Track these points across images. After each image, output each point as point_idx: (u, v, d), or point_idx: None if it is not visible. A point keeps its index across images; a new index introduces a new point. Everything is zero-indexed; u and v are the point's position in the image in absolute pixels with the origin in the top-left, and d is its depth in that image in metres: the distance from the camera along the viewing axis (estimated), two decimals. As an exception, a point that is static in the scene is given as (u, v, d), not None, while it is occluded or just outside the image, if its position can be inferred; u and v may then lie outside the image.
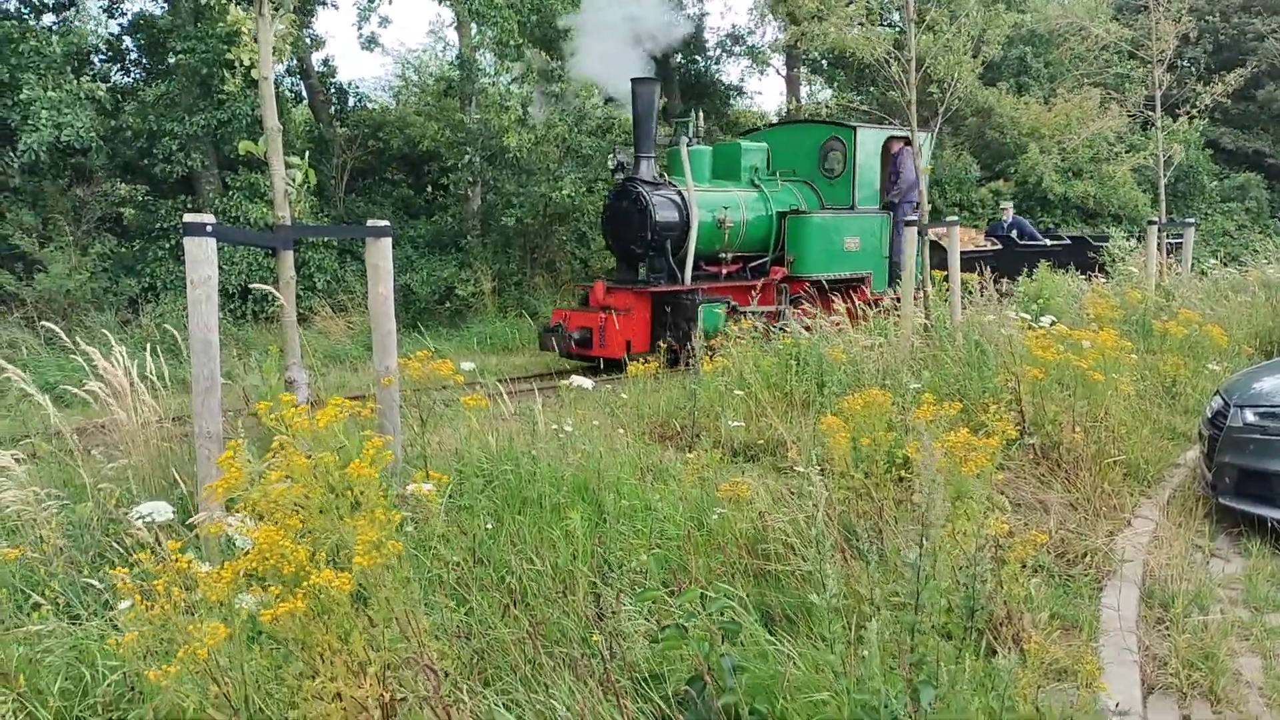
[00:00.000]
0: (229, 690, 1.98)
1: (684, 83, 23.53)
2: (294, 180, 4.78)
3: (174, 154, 14.17)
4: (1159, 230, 12.25)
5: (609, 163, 12.40)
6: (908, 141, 13.09)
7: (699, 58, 24.24)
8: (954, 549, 3.25)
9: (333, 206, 16.78)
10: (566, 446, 5.20)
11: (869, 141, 13.37)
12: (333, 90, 18.82)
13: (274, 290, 5.14)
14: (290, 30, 4.91)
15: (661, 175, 12.21)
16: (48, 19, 15.47)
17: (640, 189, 11.80)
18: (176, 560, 2.03)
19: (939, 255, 14.12)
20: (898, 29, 16.64)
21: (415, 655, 2.00)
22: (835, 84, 25.94)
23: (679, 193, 11.89)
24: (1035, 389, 6.01)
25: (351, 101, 19.38)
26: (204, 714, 2.60)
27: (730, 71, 45.85)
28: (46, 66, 13.05)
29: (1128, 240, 15.11)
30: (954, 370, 7.19)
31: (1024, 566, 3.52)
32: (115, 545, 4.07)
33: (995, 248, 15.41)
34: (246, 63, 4.63)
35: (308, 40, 17.11)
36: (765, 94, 66.72)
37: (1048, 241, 16.34)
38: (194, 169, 14.54)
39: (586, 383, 5.50)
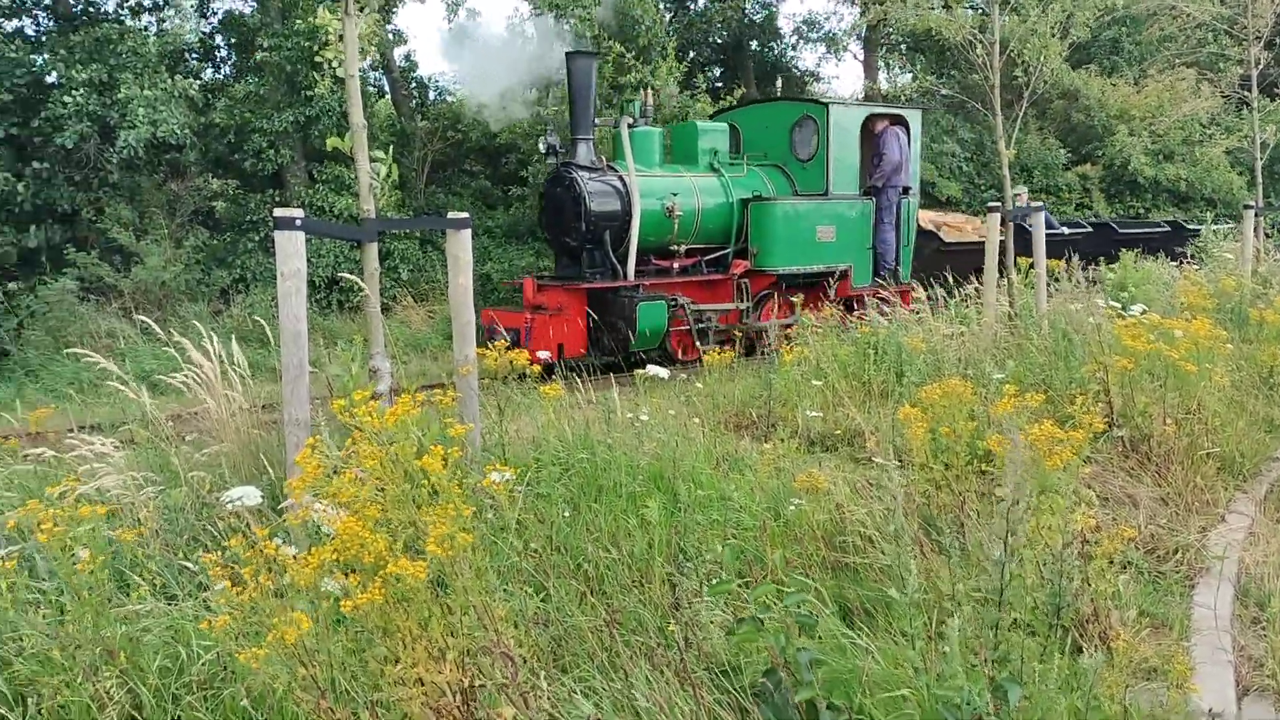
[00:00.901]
0: (316, 673, 2.05)
1: (758, 70, 23.32)
2: (378, 174, 4.87)
3: (263, 150, 14.56)
4: (1255, 214, 11.75)
5: (540, 145, 11.28)
6: (896, 121, 12.31)
7: (774, 44, 23.99)
8: (1039, 544, 3.18)
9: (414, 198, 17.07)
10: (642, 435, 5.23)
11: (845, 120, 12.05)
12: (414, 84, 19.12)
13: (359, 281, 5.25)
14: (375, 30, 5.01)
15: (600, 159, 11.05)
16: (144, 19, 16.02)
17: (575, 175, 10.67)
18: (265, 546, 2.09)
19: (934, 243, 13.46)
20: (981, 10, 16.25)
21: (492, 642, 2.04)
22: (916, 68, 25.46)
23: (620, 179, 10.73)
24: (1125, 380, 5.83)
25: (432, 95, 19.67)
26: (293, 694, 2.68)
27: (806, 58, 45.36)
28: (143, 66, 13.50)
29: (1187, 228, 14.56)
30: (1039, 360, 7.02)
31: (1112, 562, 3.42)
32: (208, 529, 4.22)
33: (1001, 238, 14.65)
34: (333, 64, 4.73)
35: (390, 36, 17.41)
36: (843, 79, 65.71)
37: (1065, 230, 15.04)
38: (282, 163, 14.93)
39: (662, 372, 5.51)
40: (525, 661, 2.31)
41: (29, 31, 15.26)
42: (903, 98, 22.24)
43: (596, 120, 11.37)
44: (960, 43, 9.13)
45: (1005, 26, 9.01)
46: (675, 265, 11.33)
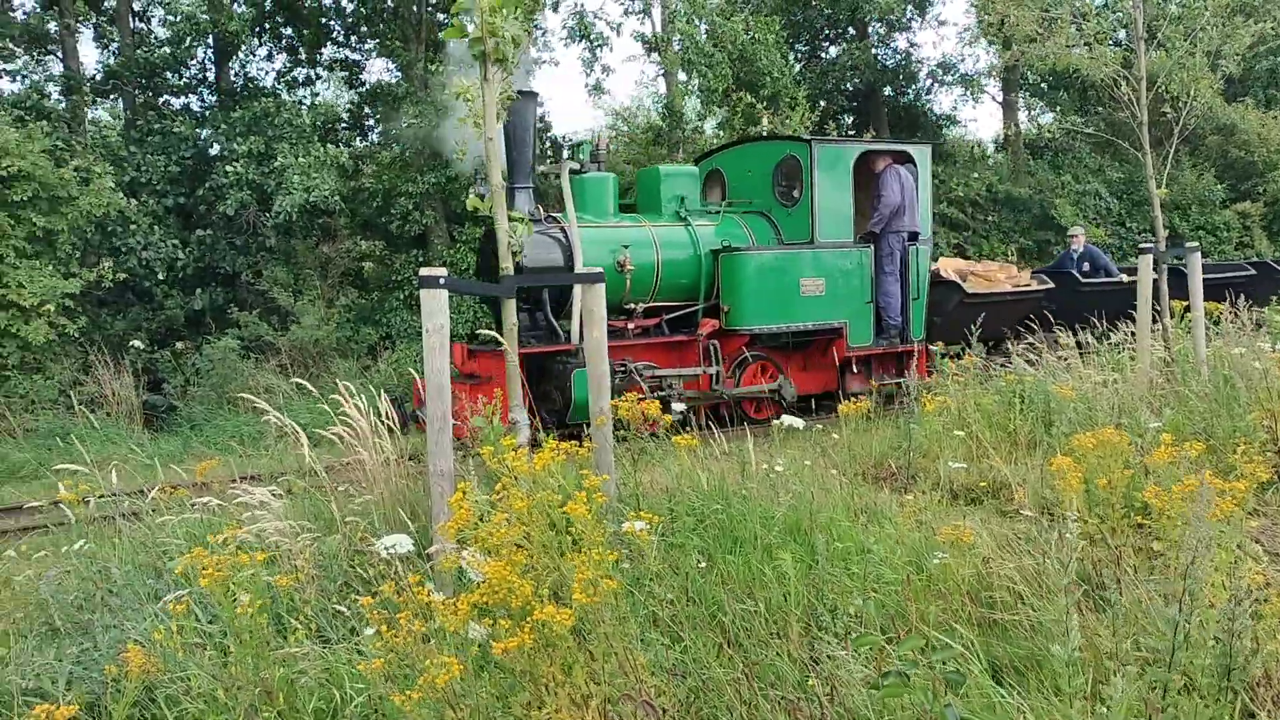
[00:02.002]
0: (463, 717, 2.10)
1: (893, 115, 23.12)
2: (515, 233, 5.06)
3: (408, 212, 15.24)
4: None
5: (466, 199, 10.82)
6: (901, 159, 11.17)
7: (908, 89, 23.77)
8: (1203, 601, 3.00)
9: (549, 254, 17.51)
10: (777, 486, 5.19)
11: (833, 159, 10.72)
12: (549, 144, 19.74)
13: (498, 336, 5.43)
14: (510, 94, 5.22)
15: (539, 210, 9.98)
16: (300, 93, 17.13)
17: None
18: (416, 592, 2.18)
19: (956, 296, 11.45)
20: (1126, 47, 15.72)
21: (634, 691, 2.05)
22: (1058, 107, 24.78)
23: (563, 230, 9.66)
24: (1296, 428, 5.47)
25: (566, 154, 20.24)
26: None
27: (942, 100, 44.74)
28: (298, 136, 14.40)
29: None
30: (1199, 408, 6.65)
31: (1286, 623, 3.19)
32: (360, 574, 4.39)
33: (1042, 287, 12.44)
34: (470, 126, 4.95)
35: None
36: (981, 121, 64.31)
37: (1125, 278, 12.83)
38: (426, 225, 15.59)
39: (798, 422, 5.47)
40: (665, 711, 2.31)
41: (195, 108, 16.53)
42: (1047, 136, 21.56)
43: (540, 167, 10.45)
44: (1103, 80, 8.86)
45: (1152, 62, 8.70)
46: (631, 326, 10.07)
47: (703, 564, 4.21)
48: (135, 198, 14.00)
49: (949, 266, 12.28)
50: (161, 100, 16.21)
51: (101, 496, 5.15)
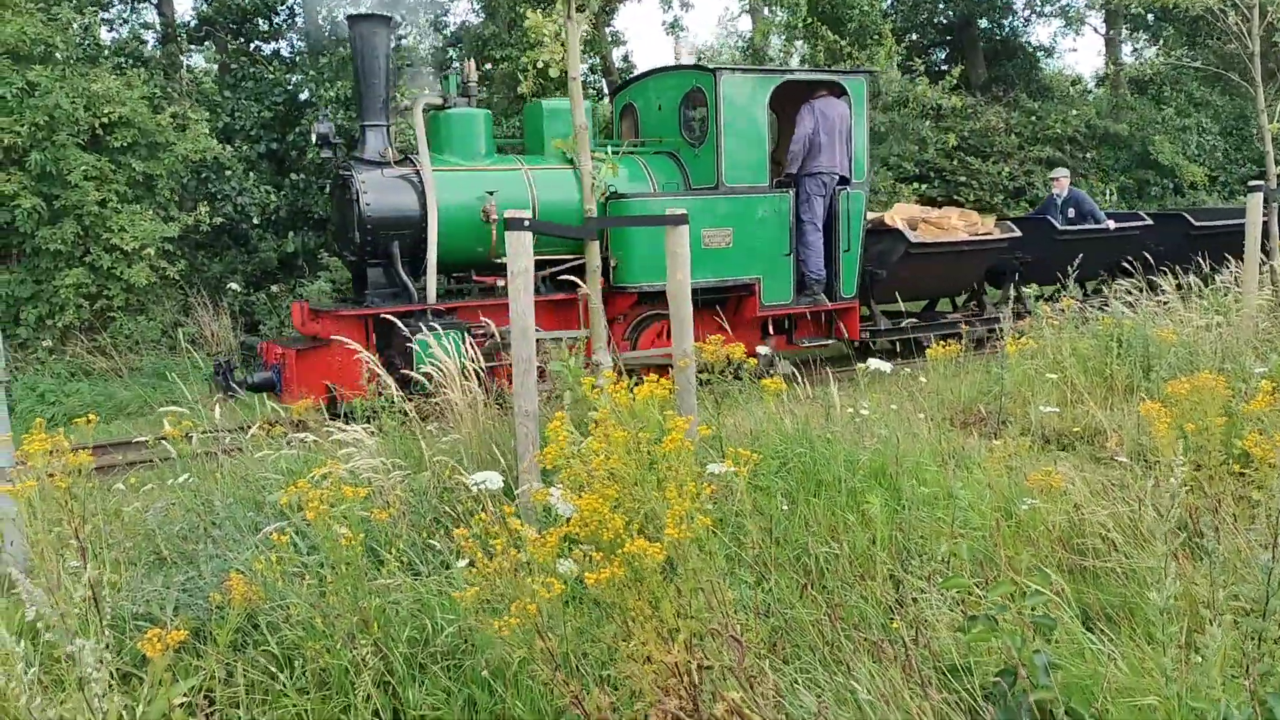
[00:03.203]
0: (552, 645, 2.15)
1: (989, 48, 22.30)
2: (599, 173, 5.05)
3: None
4: None
5: (312, 137, 9.01)
6: (833, 90, 9.79)
7: (1005, 20, 22.87)
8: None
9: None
10: (862, 430, 5.14)
11: (742, 91, 9.31)
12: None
13: (579, 281, 5.45)
14: (591, 30, 5.17)
15: (392, 152, 8.89)
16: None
17: (353, 170, 8.57)
18: (511, 523, 2.22)
19: (900, 246, 10.01)
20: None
21: (721, 625, 2.08)
22: (1162, 40, 23.61)
23: (418, 173, 8.58)
24: None
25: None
26: (528, 668, 2.83)
27: (1040, 33, 42.96)
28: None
29: None
30: (1309, 353, 6.37)
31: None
32: (448, 511, 4.50)
33: (1005, 236, 10.95)
34: (552, 69, 4.93)
35: (609, 38, 17.88)
36: (1081, 54, 61.50)
37: (1111, 224, 11.78)
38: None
39: (885, 366, 5.39)
40: (751, 647, 2.34)
41: (284, 54, 16.79)
42: (1150, 71, 20.55)
43: (405, 101, 9.33)
44: (1211, 11, 8.40)
45: (1267, -12, 8.22)
46: (500, 283, 8.62)
47: (785, 506, 4.21)
48: (229, 143, 14.23)
49: (903, 214, 11.14)
50: (253, 46, 16.49)
51: (204, 433, 5.36)
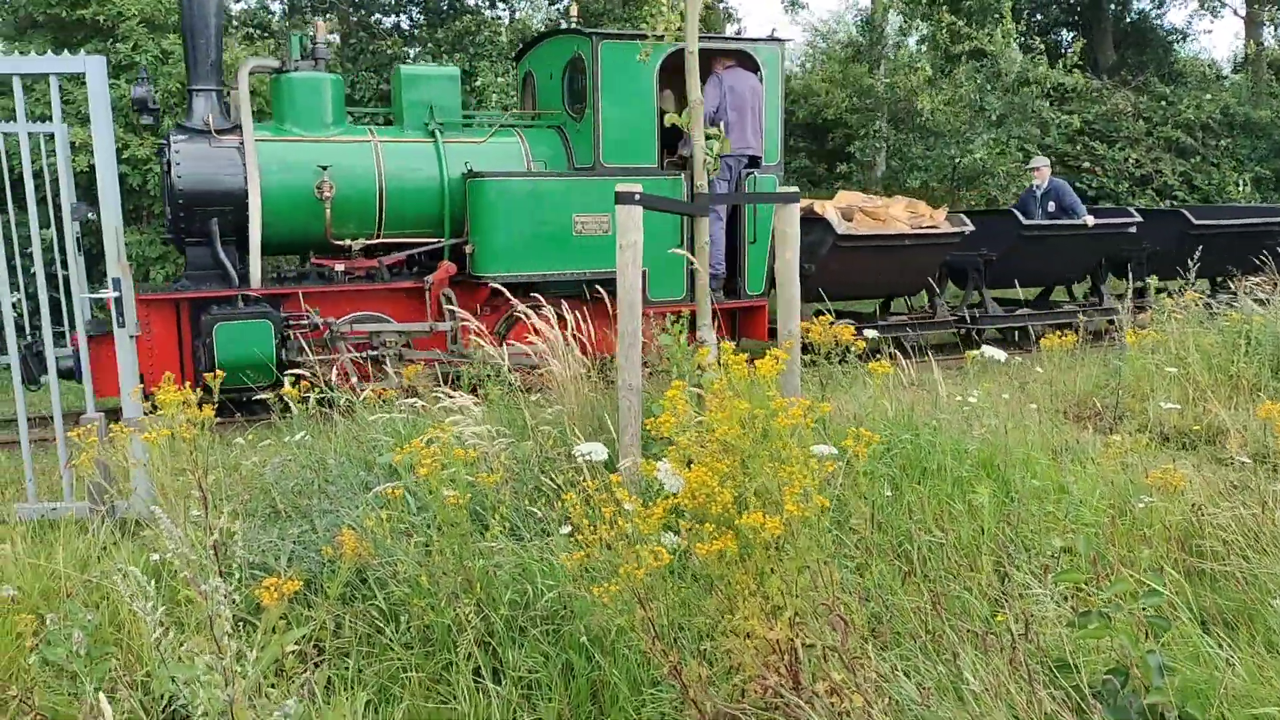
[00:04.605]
0: (653, 615, 2.17)
1: (1119, 32, 21.38)
2: (711, 150, 5.02)
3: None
4: None
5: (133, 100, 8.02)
6: (742, 62, 8.78)
7: (1135, 2, 21.91)
8: None
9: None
10: (970, 419, 5.02)
11: (624, 60, 8.20)
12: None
13: (687, 255, 5.44)
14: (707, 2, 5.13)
15: (214, 119, 7.91)
16: (499, 10, 17.46)
17: (172, 142, 7.72)
18: (616, 493, 2.25)
19: (828, 238, 8.81)
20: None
21: (827, 605, 2.07)
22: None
23: (242, 146, 7.72)
24: None
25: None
26: (625, 636, 2.86)
27: (1174, 15, 41.05)
28: (497, 54, 14.71)
29: None
30: None
31: None
32: (549, 480, 4.57)
33: (956, 229, 9.85)
34: (667, 38, 4.91)
35: (723, 13, 17.75)
36: (1218, 37, 58.41)
37: (1090, 220, 10.60)
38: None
39: (998, 354, 5.25)
40: (855, 629, 2.32)
41: (404, 26, 17.15)
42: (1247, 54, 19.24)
43: (255, 65, 8.29)
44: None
45: None
46: (340, 268, 8.07)
47: (889, 493, 4.15)
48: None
49: (841, 201, 10.14)
50: (374, 19, 16.88)
51: (320, 393, 5.54)
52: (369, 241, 8.30)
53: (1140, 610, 2.55)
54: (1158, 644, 2.53)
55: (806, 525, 2.08)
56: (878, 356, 5.20)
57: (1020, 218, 10.32)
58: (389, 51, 15.28)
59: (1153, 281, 8.33)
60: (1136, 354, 6.23)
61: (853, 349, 5.05)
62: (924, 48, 18.99)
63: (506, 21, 17.20)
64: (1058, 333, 5.55)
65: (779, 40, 9.05)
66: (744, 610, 2.02)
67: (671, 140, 8.76)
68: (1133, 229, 10.71)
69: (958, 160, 15.49)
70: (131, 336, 5.05)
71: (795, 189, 5.03)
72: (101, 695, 2.24)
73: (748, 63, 8.82)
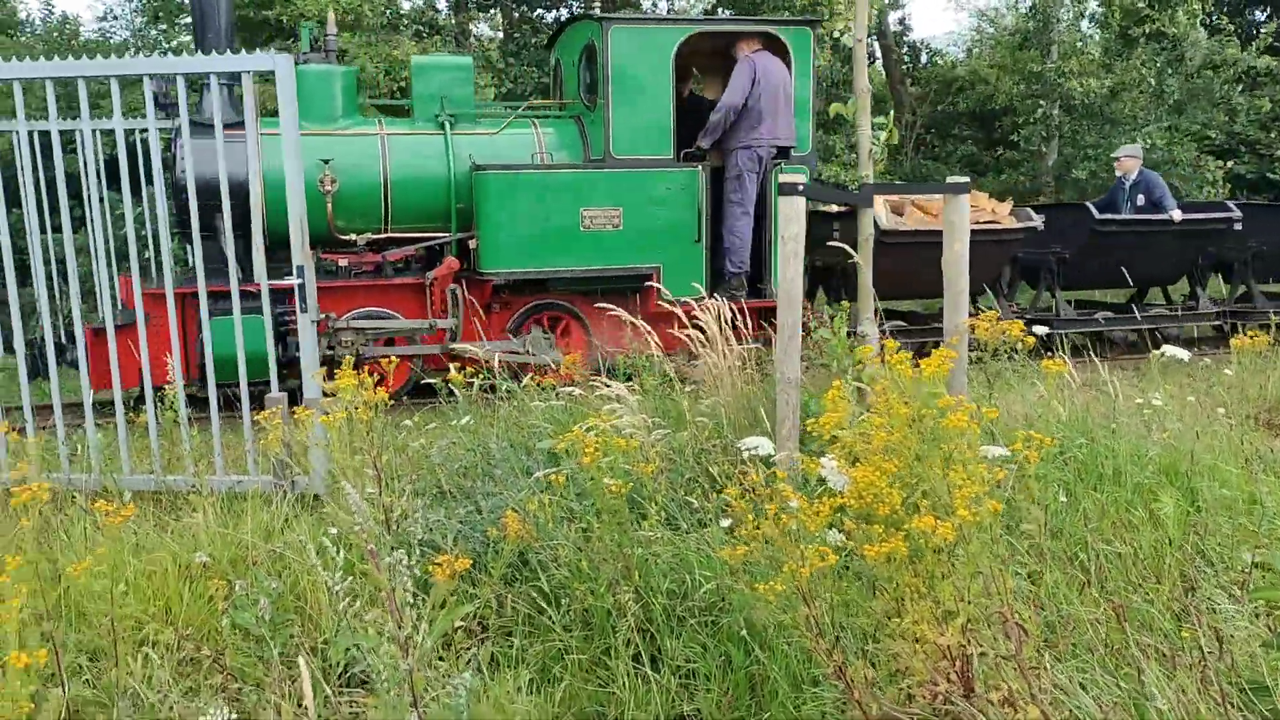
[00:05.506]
0: (818, 614, 2.15)
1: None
2: (878, 140, 4.91)
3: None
4: None
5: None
6: (768, 41, 8.26)
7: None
8: None
9: (899, 165, 16.95)
10: (1151, 423, 4.76)
11: (639, 46, 7.93)
12: (905, 49, 18.91)
13: (848, 248, 5.34)
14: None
15: (235, 112, 7.63)
16: (659, 4, 17.54)
17: (178, 136, 7.44)
18: (782, 490, 2.23)
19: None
20: None
21: (1001, 612, 2.00)
22: None
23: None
24: None
25: (924, 59, 19.34)
26: (784, 632, 2.84)
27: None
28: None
29: None
30: None
31: None
32: (706, 471, 4.58)
33: (1021, 225, 8.91)
34: (845, 38, 4.83)
35: (887, 1, 17.37)
36: None
37: (1177, 214, 9.39)
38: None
39: (1182, 353, 4.95)
40: (1031, 638, 2.23)
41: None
42: None
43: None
44: None
45: None
46: (344, 262, 7.92)
47: (1064, 499, 3.97)
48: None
49: (889, 195, 9.27)
50: (535, 14, 17.26)
51: (485, 380, 5.73)
52: (375, 236, 8.14)
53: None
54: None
55: (979, 530, 2.01)
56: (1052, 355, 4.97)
57: (1093, 211, 9.42)
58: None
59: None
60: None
61: (1021, 346, 4.84)
62: (1096, 31, 18.03)
63: (665, 11, 17.31)
64: (1251, 331, 5.17)
65: (810, 22, 8.64)
66: (913, 614, 1.97)
67: (690, 131, 8.49)
68: (1235, 225, 9.53)
69: (1133, 149, 14.66)
70: (313, 322, 5.34)
71: (966, 179, 4.86)
72: (301, 659, 2.38)
73: (775, 46, 8.40)
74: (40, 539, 2.92)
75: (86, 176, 5.86)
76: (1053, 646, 2.86)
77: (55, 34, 15.85)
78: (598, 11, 15.80)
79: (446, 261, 8.08)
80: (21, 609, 2.46)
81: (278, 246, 7.60)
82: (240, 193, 7.04)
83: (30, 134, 6.44)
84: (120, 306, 7.07)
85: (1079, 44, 16.54)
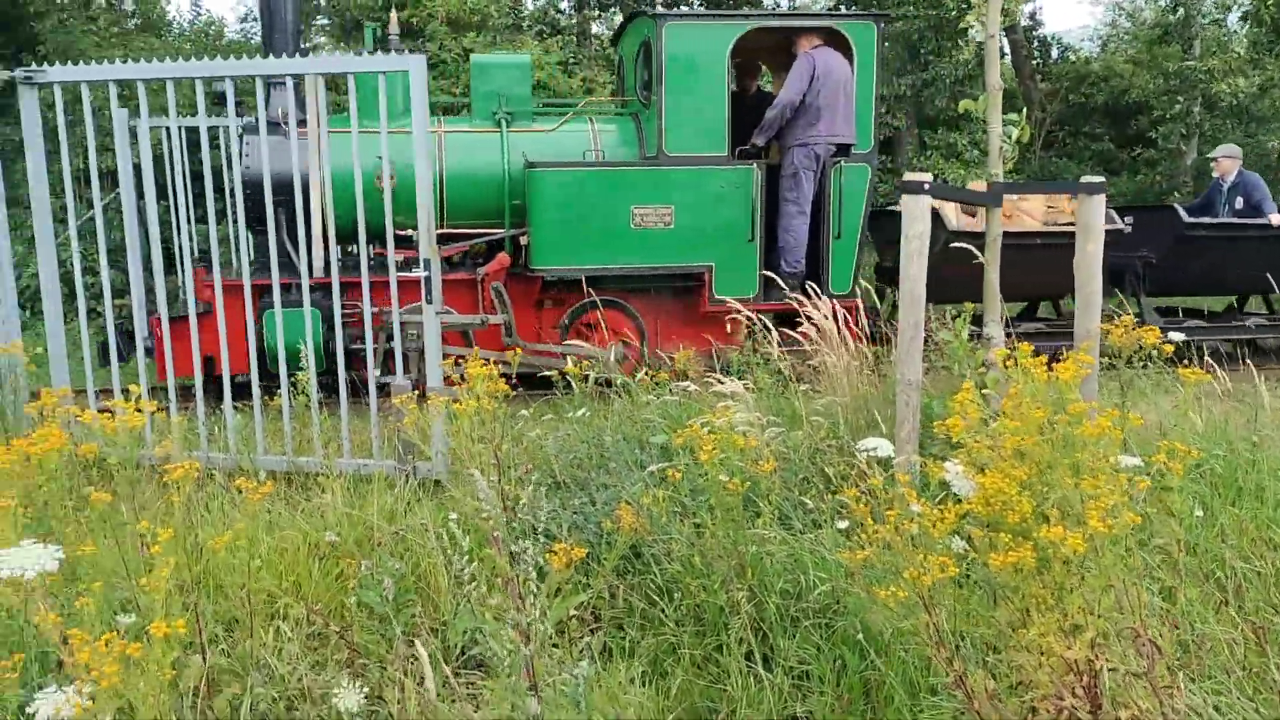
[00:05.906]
0: (939, 622, 2.11)
1: None
2: (1009, 137, 4.77)
3: (881, 115, 15.03)
4: None
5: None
6: (831, 39, 8.00)
7: None
8: None
9: (1028, 163, 16.43)
10: (1298, 437, 4.51)
11: (690, 42, 7.82)
12: (1036, 44, 18.30)
13: (973, 248, 5.20)
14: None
15: (286, 110, 7.65)
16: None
17: (245, 134, 7.64)
18: (907, 494, 2.20)
19: (940, 235, 6.87)
20: None
21: (1133, 628, 1.93)
22: None
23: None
24: None
25: (1055, 54, 18.68)
26: (903, 639, 2.80)
27: None
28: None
29: None
30: None
31: None
32: (821, 471, 4.54)
33: (1105, 228, 7.52)
34: (978, 33, 4.70)
35: (1020, -7, 16.87)
36: None
37: (1276, 218, 8.71)
38: (897, 129, 15.29)
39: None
40: (1165, 656, 2.15)
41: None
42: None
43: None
44: None
45: None
46: (402, 258, 7.46)
47: (1200, 513, 3.80)
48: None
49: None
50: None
51: (598, 374, 5.80)
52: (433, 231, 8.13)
53: None
54: None
55: (1112, 543, 1.94)
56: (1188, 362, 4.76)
57: (1181, 214, 8.84)
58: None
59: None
60: None
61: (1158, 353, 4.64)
62: (1243, 26, 17.09)
63: (786, 6, 17.15)
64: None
65: (875, 16, 8.30)
66: (1040, 625, 1.92)
67: (745, 128, 8.34)
68: None
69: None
70: (437, 314, 5.50)
71: (1101, 179, 4.69)
72: (417, 641, 2.47)
73: (837, 41, 8.19)
74: (185, 514, 3.09)
75: (230, 171, 6.15)
76: (1186, 666, 2.75)
77: (201, 35, 16.70)
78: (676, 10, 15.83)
79: (498, 258, 8.19)
80: (168, 579, 2.62)
81: (344, 241, 8.07)
82: (280, 189, 6.98)
83: (166, 130, 6.75)
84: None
85: (1224, 39, 15.72)
